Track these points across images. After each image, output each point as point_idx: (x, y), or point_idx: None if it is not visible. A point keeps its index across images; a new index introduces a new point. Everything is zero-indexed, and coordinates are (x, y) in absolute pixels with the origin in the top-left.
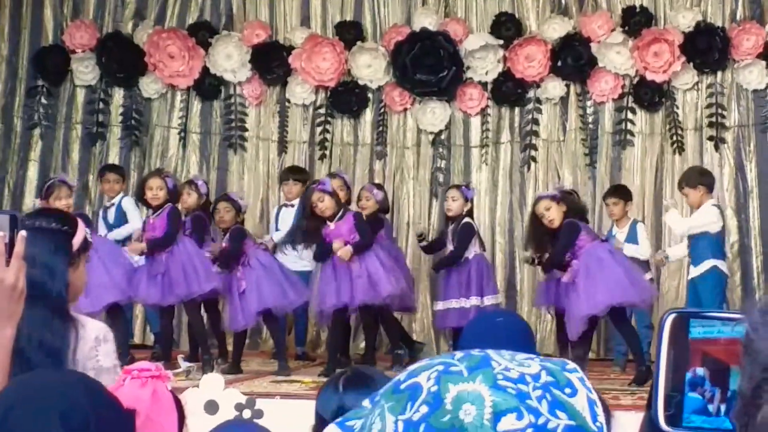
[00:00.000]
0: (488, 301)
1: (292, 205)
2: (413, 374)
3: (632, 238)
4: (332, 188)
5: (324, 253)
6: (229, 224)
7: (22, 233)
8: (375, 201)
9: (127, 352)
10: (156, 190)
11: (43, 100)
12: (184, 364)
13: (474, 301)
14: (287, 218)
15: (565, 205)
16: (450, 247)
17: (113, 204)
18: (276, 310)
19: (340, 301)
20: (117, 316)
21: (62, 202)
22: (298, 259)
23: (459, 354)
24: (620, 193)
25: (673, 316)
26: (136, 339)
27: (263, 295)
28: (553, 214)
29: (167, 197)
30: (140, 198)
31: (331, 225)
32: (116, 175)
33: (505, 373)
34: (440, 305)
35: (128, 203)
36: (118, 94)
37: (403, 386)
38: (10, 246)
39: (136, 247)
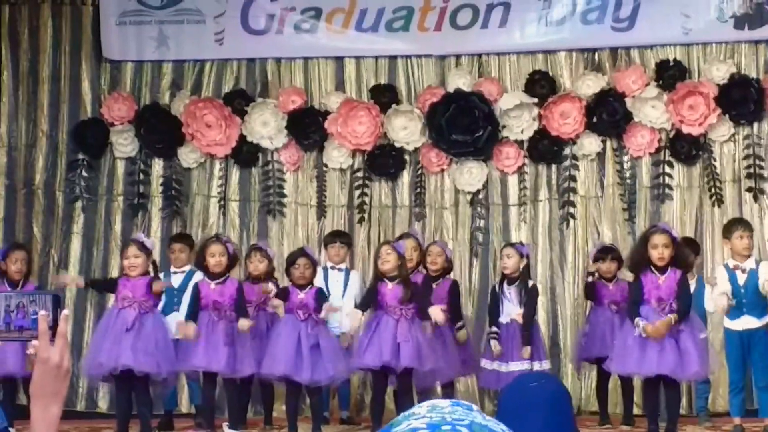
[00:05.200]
0: (538, 366)
1: (340, 269)
2: None
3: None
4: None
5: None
6: (309, 280)
7: (65, 312)
8: (446, 258)
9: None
10: (219, 257)
11: (84, 173)
12: None
13: (525, 365)
14: (336, 281)
15: (675, 251)
16: (512, 306)
17: (183, 272)
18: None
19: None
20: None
21: (129, 261)
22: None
23: None
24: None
25: None
26: (183, 408)
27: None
28: (668, 254)
29: (228, 263)
30: (200, 264)
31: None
32: (182, 245)
33: None
34: (487, 365)
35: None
36: (158, 165)
37: None
38: (54, 325)
39: (189, 330)
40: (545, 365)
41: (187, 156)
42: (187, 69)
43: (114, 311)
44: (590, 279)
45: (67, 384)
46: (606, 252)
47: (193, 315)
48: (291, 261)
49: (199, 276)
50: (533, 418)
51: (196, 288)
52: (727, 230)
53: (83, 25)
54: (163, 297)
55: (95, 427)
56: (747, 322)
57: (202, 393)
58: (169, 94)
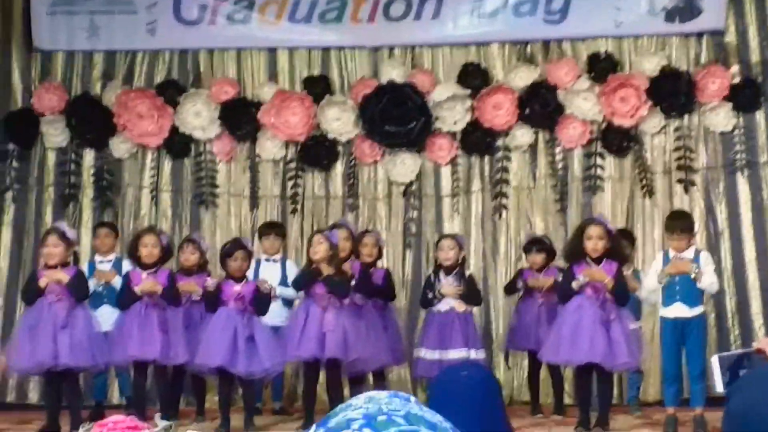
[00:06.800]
0: (474, 354)
1: (275, 260)
2: None
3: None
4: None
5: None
6: (245, 272)
7: None
8: (380, 248)
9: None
10: (151, 248)
11: (15, 164)
12: (161, 423)
13: (463, 353)
14: (271, 273)
15: (610, 244)
16: (449, 299)
17: (109, 260)
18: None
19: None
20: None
21: (48, 249)
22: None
23: None
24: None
25: None
26: (114, 400)
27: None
28: (602, 245)
29: (161, 254)
30: (132, 254)
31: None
32: (108, 230)
33: None
34: (426, 354)
35: (127, 264)
36: (89, 156)
37: None
38: None
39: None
40: (480, 354)
41: (119, 146)
42: (118, 59)
43: (43, 305)
44: (519, 284)
45: None
46: (532, 243)
47: (123, 303)
48: (228, 253)
49: (128, 265)
50: (464, 407)
51: (127, 277)
52: (665, 226)
53: (13, 15)
54: (92, 288)
55: (25, 419)
56: (680, 310)
57: (134, 384)
58: (100, 84)
